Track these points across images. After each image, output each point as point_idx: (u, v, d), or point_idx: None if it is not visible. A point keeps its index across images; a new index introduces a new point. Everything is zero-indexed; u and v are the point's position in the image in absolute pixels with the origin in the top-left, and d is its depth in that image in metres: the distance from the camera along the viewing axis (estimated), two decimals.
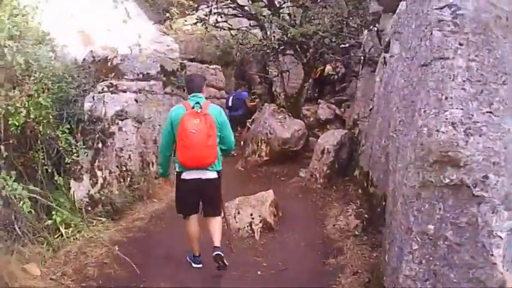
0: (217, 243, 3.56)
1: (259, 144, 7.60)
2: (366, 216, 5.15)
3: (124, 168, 5.59)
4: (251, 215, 4.93)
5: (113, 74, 5.95)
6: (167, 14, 11.66)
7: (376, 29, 6.37)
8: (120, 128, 5.63)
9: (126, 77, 6.04)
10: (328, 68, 10.87)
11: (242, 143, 8.73)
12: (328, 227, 5.03)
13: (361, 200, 5.60)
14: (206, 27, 9.07)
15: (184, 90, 5.97)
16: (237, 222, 4.94)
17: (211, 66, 8.79)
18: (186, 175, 3.46)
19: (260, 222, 4.83)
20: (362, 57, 6.66)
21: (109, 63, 6.08)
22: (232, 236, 4.31)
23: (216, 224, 3.62)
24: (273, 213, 5.00)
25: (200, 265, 3.79)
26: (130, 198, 5.46)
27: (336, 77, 11.45)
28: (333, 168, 6.44)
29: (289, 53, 8.44)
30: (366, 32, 7.02)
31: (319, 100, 10.17)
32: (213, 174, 3.50)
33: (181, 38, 11.34)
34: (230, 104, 8.94)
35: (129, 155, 5.70)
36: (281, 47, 7.55)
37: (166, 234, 4.83)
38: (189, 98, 3.60)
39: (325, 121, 9.63)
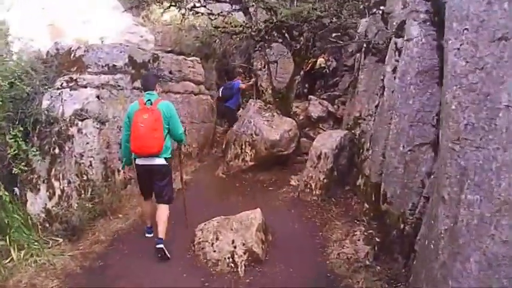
0: (160, 234, 3.98)
1: (243, 146, 6.49)
2: (378, 240, 4.14)
3: (85, 178, 4.85)
4: (233, 242, 3.85)
5: (76, 67, 5.17)
6: (145, 5, 10.58)
7: (380, 11, 5.34)
8: (80, 130, 4.88)
9: (89, 69, 5.23)
10: (321, 60, 9.81)
11: (224, 144, 7.62)
12: (332, 256, 3.99)
13: (369, 217, 4.59)
14: (183, 14, 7.90)
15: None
16: (215, 251, 3.86)
17: (189, 58, 7.60)
18: (139, 161, 4.00)
19: (244, 253, 3.75)
20: (364, 45, 5.61)
21: (72, 56, 5.24)
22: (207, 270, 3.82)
23: (160, 213, 4.06)
24: (260, 239, 3.92)
25: (151, 235, 4.33)
26: (91, 214, 4.77)
27: (327, 70, 10.41)
28: (331, 177, 5.40)
29: (278, 41, 7.32)
30: (365, 17, 5.98)
31: (310, 96, 9.07)
32: (160, 161, 3.95)
33: (159, 29, 10.20)
34: (220, 95, 8.22)
35: (90, 162, 4.95)
36: (269, 33, 6.44)
37: (127, 265, 3.93)
38: (144, 95, 4.08)
39: (317, 119, 8.58)
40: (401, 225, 3.77)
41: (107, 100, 5.27)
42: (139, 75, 5.73)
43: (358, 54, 11.21)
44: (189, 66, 7.58)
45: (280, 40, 7.16)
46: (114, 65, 5.52)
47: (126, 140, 4.05)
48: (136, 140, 3.81)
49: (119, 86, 5.51)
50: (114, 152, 5.30)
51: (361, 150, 5.47)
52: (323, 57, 9.82)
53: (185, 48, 9.06)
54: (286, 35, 6.69)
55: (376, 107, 5.14)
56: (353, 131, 5.77)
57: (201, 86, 8.18)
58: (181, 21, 8.41)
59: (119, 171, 5.35)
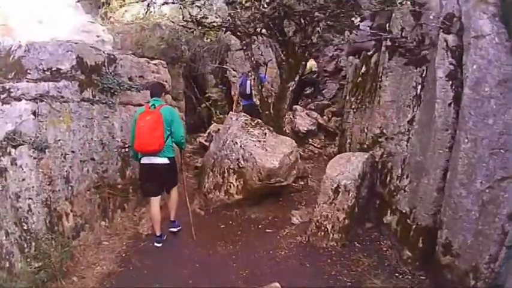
0: (171, 217, 4.62)
1: (226, 175, 5.05)
2: None
3: (25, 227, 3.58)
4: None
5: (13, 73, 3.96)
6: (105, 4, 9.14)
7: (409, 2, 4.20)
8: (14, 161, 3.60)
9: (29, 75, 3.92)
10: (312, 63, 8.59)
11: (198, 169, 6.15)
12: None
13: (413, 267, 3.43)
14: (148, 8, 6.38)
15: (112, 95, 4.77)
16: None
17: (153, 62, 6.06)
18: (143, 160, 4.25)
19: None
20: (387, 43, 4.43)
21: (11, 57, 4.07)
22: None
23: (170, 199, 4.57)
24: None
25: (160, 244, 4.34)
26: (37, 279, 3.42)
27: (317, 75, 9.22)
28: (352, 215, 4.12)
29: (267, 37, 5.93)
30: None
31: (295, 106, 7.77)
32: (162, 160, 4.22)
33: (118, 29, 8.55)
34: (248, 91, 7.05)
35: (29, 206, 3.62)
36: (272, 18, 5.02)
37: None
38: (150, 101, 4.38)
39: (305, 134, 7.32)
40: (472, 282, 2.97)
41: (46, 117, 3.80)
42: (91, 82, 4.36)
43: (340, 59, 10.26)
44: (153, 71, 6.05)
45: (267, 37, 5.80)
46: (59, 69, 4.05)
47: (131, 141, 4.37)
48: (137, 139, 4.12)
49: (62, 97, 4.00)
50: (59, 190, 3.86)
51: (387, 178, 4.25)
52: (313, 60, 8.60)
53: (148, 50, 7.49)
54: (283, 29, 5.35)
55: (410, 122, 3.97)
56: (371, 152, 4.55)
57: (168, 97, 6.65)
58: (146, 13, 6.84)
59: (67, 214, 3.92)
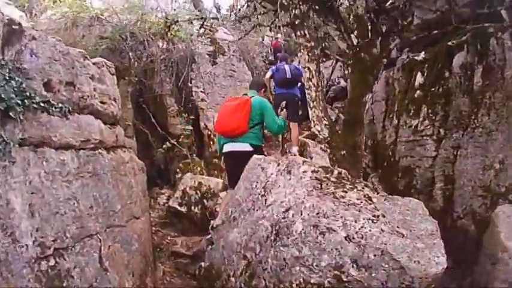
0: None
1: None
2: None
3: None
4: None
5: None
6: None
7: None
8: None
9: None
10: None
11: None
12: None
13: None
14: None
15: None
16: None
17: (94, 60, 3.01)
18: (225, 148, 3.86)
19: None
20: None
21: None
22: None
23: None
24: None
25: None
26: None
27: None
28: None
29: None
30: None
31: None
32: (244, 146, 3.75)
33: (43, 26, 5.49)
34: (289, 76, 5.52)
35: None
36: None
37: None
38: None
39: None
40: None
41: None
42: None
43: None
44: (93, 77, 3.02)
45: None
46: None
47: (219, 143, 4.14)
48: (219, 121, 3.89)
49: None
50: None
51: None
52: None
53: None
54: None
55: None
56: None
57: (118, 129, 3.58)
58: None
59: None
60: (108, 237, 2.78)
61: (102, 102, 3.15)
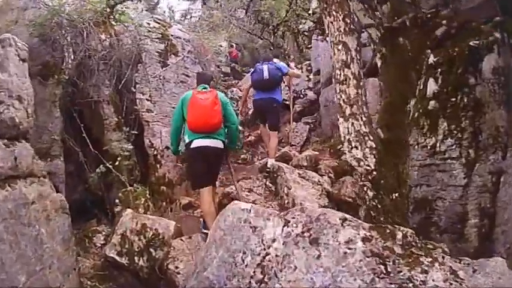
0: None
1: None
2: None
3: None
4: None
5: None
6: None
7: None
8: None
9: None
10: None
11: None
12: None
13: None
14: None
15: None
16: None
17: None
18: (194, 143, 3.61)
19: None
20: None
21: None
22: None
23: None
24: None
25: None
26: None
27: None
28: None
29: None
30: None
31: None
32: (217, 143, 3.59)
33: None
34: (267, 76, 4.82)
35: None
36: None
37: None
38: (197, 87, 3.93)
39: None
40: None
41: None
42: None
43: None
44: None
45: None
46: None
47: (173, 138, 3.95)
48: (199, 115, 3.55)
49: None
50: None
51: None
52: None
53: None
54: None
55: None
56: None
57: (21, 149, 2.28)
58: None
59: None
60: None
61: (9, 115, 1.91)
